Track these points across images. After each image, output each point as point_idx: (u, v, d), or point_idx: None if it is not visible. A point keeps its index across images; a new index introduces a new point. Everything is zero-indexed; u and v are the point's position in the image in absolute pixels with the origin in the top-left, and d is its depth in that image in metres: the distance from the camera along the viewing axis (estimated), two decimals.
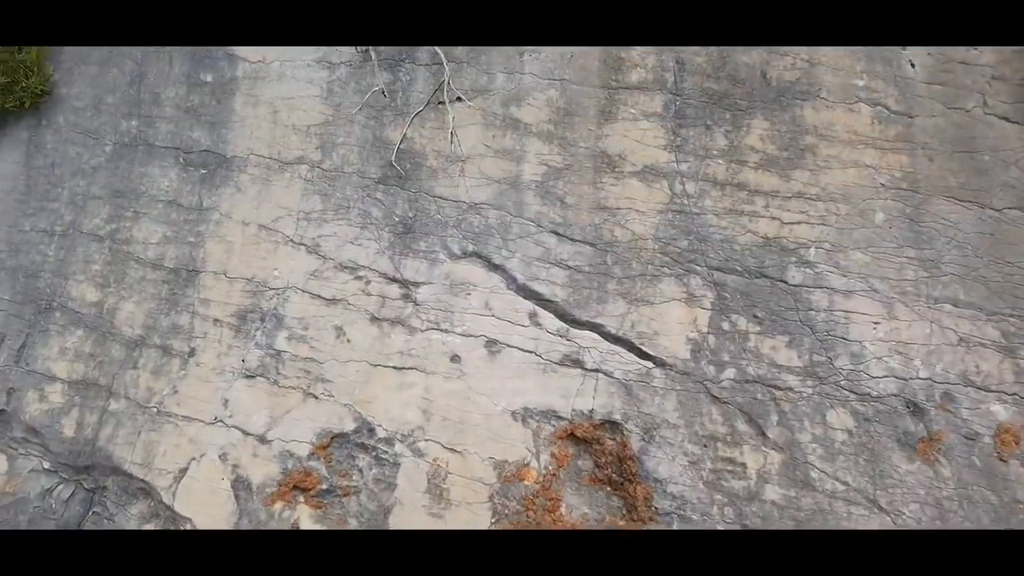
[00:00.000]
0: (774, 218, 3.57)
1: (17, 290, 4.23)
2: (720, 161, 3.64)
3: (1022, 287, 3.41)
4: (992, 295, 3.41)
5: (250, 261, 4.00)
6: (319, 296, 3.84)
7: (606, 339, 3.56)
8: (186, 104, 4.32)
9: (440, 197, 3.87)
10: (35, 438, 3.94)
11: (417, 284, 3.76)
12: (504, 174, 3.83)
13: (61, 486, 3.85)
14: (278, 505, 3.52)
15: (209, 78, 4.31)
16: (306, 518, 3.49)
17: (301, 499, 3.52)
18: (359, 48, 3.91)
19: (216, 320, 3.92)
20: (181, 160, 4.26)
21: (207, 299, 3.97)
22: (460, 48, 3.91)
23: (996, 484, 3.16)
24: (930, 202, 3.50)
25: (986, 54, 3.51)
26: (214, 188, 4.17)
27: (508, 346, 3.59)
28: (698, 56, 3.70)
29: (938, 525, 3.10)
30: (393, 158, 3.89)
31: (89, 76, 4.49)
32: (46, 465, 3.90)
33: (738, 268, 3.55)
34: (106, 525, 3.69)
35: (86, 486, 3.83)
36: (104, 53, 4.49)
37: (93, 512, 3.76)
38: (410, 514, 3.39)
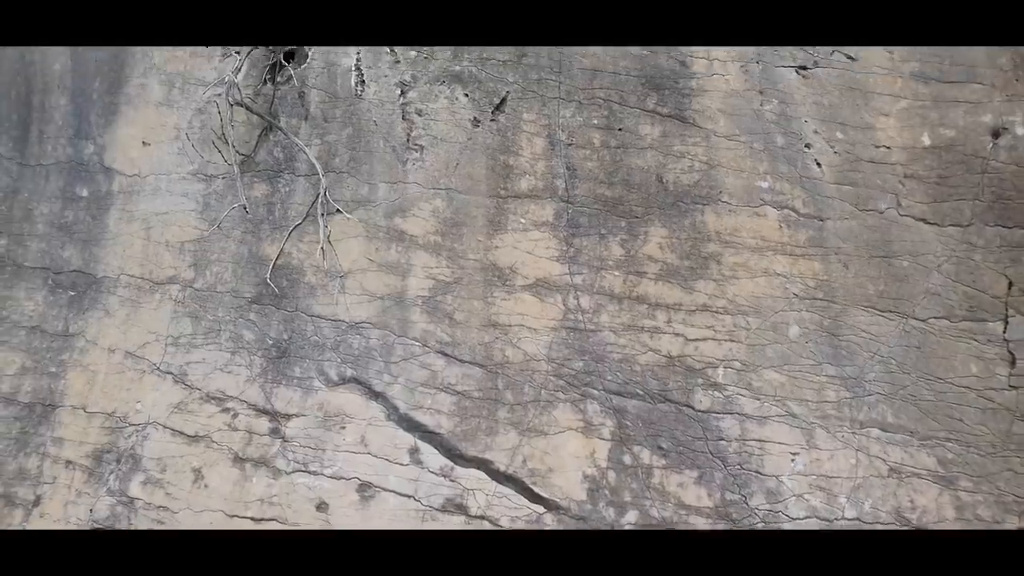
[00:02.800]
0: (677, 334, 3.26)
1: None
2: (617, 273, 3.36)
3: (957, 406, 3.06)
4: (924, 416, 3.07)
5: (112, 393, 3.67)
6: (181, 432, 3.49)
7: (494, 478, 3.19)
8: (60, 220, 4.09)
9: (318, 316, 3.57)
10: None
11: (288, 416, 3.42)
12: (388, 290, 3.54)
13: None
14: None
15: (85, 192, 4.09)
16: None
17: None
18: (228, 161, 3.68)
19: (68, 462, 3.56)
20: (50, 282, 3.99)
21: (61, 438, 3.62)
22: (339, 158, 3.70)
23: None
24: (848, 313, 3.20)
25: (895, 152, 3.28)
26: (82, 312, 3.88)
27: (383, 490, 3.21)
28: (589, 161, 3.48)
29: None
30: (268, 275, 3.62)
31: None
32: None
33: (639, 392, 3.21)
34: None
35: None
36: None
37: None
38: None
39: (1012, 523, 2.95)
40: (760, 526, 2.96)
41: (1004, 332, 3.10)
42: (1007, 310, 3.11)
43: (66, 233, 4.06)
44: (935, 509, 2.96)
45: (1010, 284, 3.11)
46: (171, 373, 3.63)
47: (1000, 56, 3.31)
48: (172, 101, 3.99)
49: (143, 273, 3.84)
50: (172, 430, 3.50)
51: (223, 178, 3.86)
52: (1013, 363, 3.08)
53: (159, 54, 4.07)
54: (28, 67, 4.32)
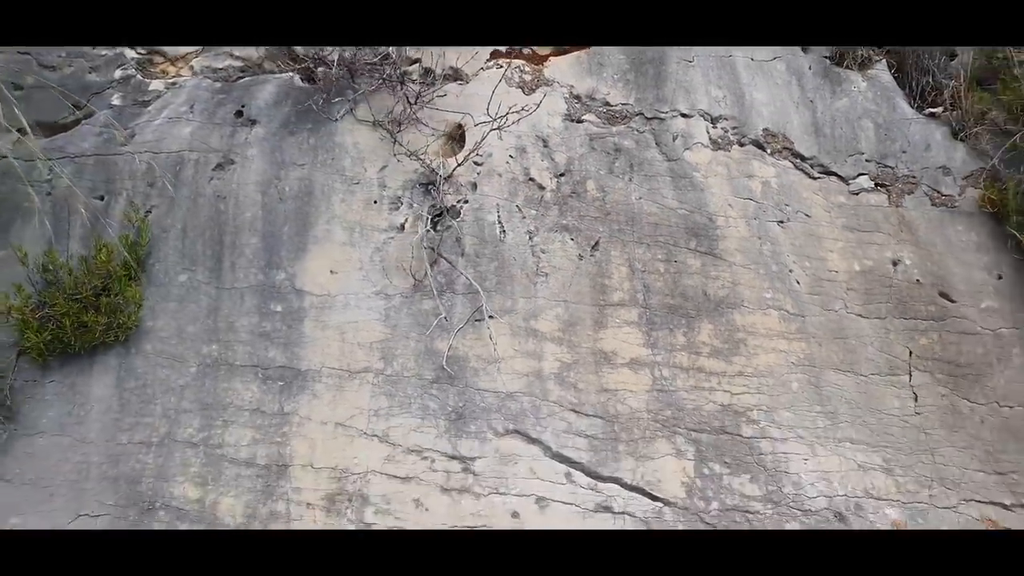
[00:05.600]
0: (726, 391, 5.37)
1: (120, 495, 5.17)
2: (683, 353, 5.46)
3: (889, 427, 5.35)
4: (873, 433, 5.32)
5: (332, 453, 5.25)
6: (395, 476, 5.13)
7: (625, 488, 5.09)
8: (259, 330, 5.65)
9: (483, 390, 5.37)
10: None
11: (473, 459, 5.17)
12: (530, 370, 5.42)
13: None
14: None
15: (279, 308, 5.70)
16: None
17: None
18: (416, 280, 5.51)
19: (309, 504, 5.09)
20: (260, 375, 5.53)
21: (299, 487, 5.14)
22: (488, 281, 5.61)
23: None
24: (825, 373, 5.46)
25: (841, 274, 5.66)
26: (292, 396, 5.45)
27: (554, 500, 5.03)
28: (657, 282, 5.62)
29: None
30: (444, 362, 5.40)
31: (170, 311, 5.71)
32: None
33: (707, 428, 5.27)
34: None
35: None
36: (182, 290, 5.78)
37: None
38: None
39: (924, 495, 5.20)
40: (792, 504, 5.04)
41: (910, 381, 5.46)
42: (910, 368, 5.48)
43: (267, 339, 5.63)
44: (884, 487, 5.18)
45: (911, 352, 5.50)
46: (376, 436, 5.28)
47: (891, 216, 5.82)
48: (354, 242, 5.77)
49: (341, 366, 5.50)
50: (387, 475, 5.14)
51: (399, 295, 5.64)
52: (916, 399, 5.43)
53: (339, 206, 5.86)
54: (220, 215, 5.93)
